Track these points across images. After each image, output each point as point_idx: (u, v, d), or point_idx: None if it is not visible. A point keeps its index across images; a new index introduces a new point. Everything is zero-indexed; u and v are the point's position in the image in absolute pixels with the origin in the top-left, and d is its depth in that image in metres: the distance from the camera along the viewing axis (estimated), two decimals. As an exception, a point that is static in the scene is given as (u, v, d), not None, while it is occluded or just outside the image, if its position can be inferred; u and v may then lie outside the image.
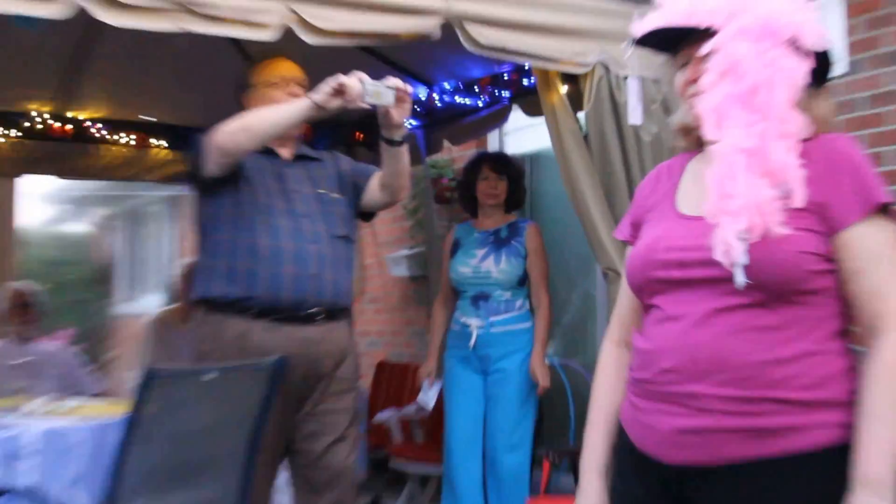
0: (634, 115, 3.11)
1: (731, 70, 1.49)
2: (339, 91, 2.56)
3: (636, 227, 1.72)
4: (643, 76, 3.14)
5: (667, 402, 1.52)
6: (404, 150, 2.84)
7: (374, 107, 2.64)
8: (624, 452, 1.64)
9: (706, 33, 1.54)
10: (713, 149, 1.50)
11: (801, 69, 1.50)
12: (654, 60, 1.79)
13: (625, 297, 1.75)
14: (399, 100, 2.63)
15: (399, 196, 3.01)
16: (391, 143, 2.80)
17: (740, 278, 1.45)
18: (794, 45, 1.50)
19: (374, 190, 3.01)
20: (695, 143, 1.66)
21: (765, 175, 1.45)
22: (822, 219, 1.49)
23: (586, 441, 1.73)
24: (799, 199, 1.45)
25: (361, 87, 2.55)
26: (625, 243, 1.77)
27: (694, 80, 1.57)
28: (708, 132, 1.51)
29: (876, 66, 3.63)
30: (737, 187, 1.45)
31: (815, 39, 1.52)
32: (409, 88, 2.66)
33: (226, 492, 2.31)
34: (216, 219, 2.84)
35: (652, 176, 1.77)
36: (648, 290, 1.61)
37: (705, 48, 1.53)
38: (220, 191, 2.82)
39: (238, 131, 2.69)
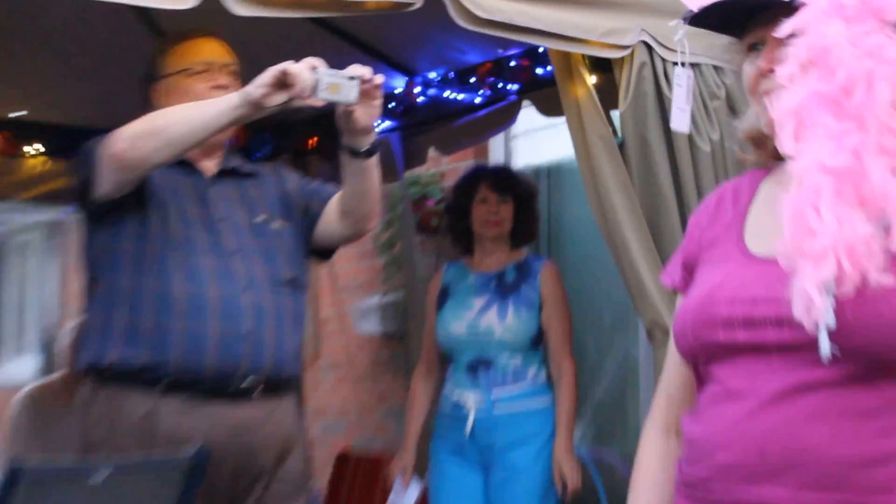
0: (678, 119, 3.12)
1: (818, 60, 1.50)
2: (284, 83, 2.58)
3: (689, 270, 1.74)
4: (699, 63, 3.17)
5: (727, 512, 1.54)
6: (373, 163, 2.87)
7: (333, 104, 2.66)
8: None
9: (786, 7, 1.56)
10: (791, 167, 1.52)
11: (912, 62, 1.52)
12: (717, 42, 1.82)
13: (673, 365, 1.77)
14: (366, 94, 2.65)
15: (367, 225, 3.03)
16: (355, 153, 2.82)
17: (826, 347, 1.45)
18: (904, 28, 1.53)
19: (332, 217, 3.03)
20: (770, 156, 1.68)
21: (860, 204, 1.45)
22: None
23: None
24: (900, 238, 1.47)
25: (314, 78, 2.57)
26: (675, 291, 1.79)
27: (768, 72, 1.60)
28: (784, 144, 1.52)
29: None
30: (821, 221, 1.46)
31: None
32: (380, 79, 2.69)
33: None
34: (113, 256, 2.85)
35: (712, 200, 1.79)
36: (704, 356, 1.62)
37: (784, 28, 1.54)
38: (119, 218, 2.84)
39: (144, 136, 2.71)
